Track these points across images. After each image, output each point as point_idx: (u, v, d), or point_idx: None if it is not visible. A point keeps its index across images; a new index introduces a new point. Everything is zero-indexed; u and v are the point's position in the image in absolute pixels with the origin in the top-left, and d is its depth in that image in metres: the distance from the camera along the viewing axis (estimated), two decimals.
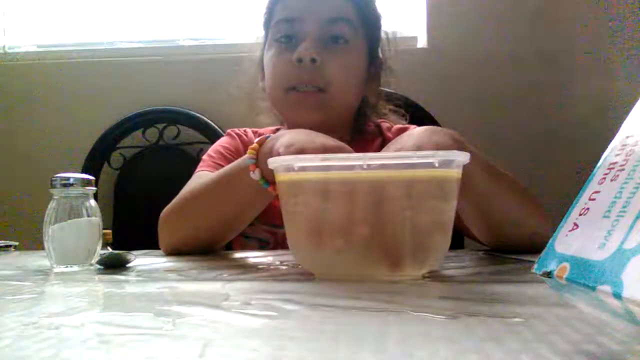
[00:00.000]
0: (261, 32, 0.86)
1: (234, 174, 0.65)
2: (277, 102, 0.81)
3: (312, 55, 0.74)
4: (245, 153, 0.62)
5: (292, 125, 0.78)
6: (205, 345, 0.25)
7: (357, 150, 0.51)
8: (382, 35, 0.87)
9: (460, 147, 0.54)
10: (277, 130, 0.86)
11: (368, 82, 0.84)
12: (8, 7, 1.56)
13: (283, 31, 0.79)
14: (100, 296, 0.41)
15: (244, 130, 0.91)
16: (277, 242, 0.81)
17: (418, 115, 1.07)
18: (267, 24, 0.83)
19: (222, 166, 0.71)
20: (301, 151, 0.53)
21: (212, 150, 0.87)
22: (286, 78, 0.77)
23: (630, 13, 1.33)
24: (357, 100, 0.83)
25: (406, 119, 0.93)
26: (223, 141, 0.89)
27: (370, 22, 0.83)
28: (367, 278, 0.44)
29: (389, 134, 0.87)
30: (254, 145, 0.61)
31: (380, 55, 0.87)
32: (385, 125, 0.90)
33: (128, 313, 0.34)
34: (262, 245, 0.82)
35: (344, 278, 0.45)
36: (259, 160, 0.60)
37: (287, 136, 0.58)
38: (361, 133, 0.87)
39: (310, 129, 0.61)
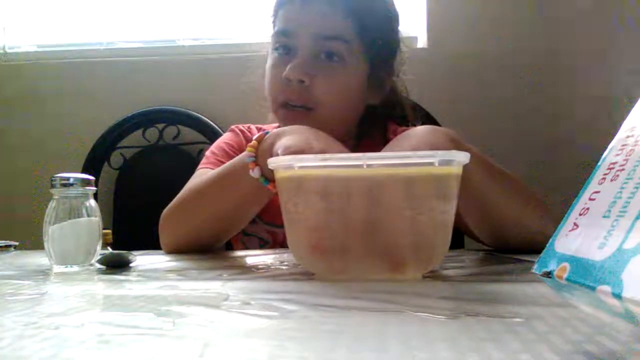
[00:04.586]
0: (269, 29, 0.84)
1: (233, 171, 0.65)
2: (273, 114, 0.80)
3: (299, 77, 0.73)
4: None
5: None
6: (205, 345, 0.25)
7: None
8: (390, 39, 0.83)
9: (457, 147, 0.54)
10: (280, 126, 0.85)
11: (370, 90, 0.80)
12: (8, 7, 1.56)
13: (280, 43, 0.77)
14: (100, 296, 0.41)
15: (248, 127, 0.90)
16: (276, 242, 0.81)
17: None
18: (273, 25, 0.81)
19: (225, 163, 0.71)
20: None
21: (215, 146, 0.86)
22: (277, 94, 0.76)
23: (631, 12, 1.33)
24: (354, 114, 0.81)
25: (418, 118, 0.90)
26: (226, 137, 0.88)
27: (373, 34, 0.78)
28: (368, 278, 0.44)
29: (392, 136, 0.86)
30: (253, 142, 0.61)
31: (389, 59, 0.83)
32: (391, 127, 0.88)
33: (128, 313, 0.34)
34: (261, 245, 0.82)
35: (344, 278, 0.45)
36: (258, 157, 0.60)
37: (286, 137, 0.58)
38: (367, 136, 0.85)
39: None
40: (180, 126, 1.42)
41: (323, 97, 0.74)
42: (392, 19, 0.83)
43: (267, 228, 0.81)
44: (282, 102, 0.75)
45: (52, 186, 0.56)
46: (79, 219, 0.56)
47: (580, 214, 0.24)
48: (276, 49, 0.78)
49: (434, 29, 1.38)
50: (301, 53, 0.74)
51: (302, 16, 0.76)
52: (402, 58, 0.85)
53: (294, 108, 0.75)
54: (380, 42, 0.80)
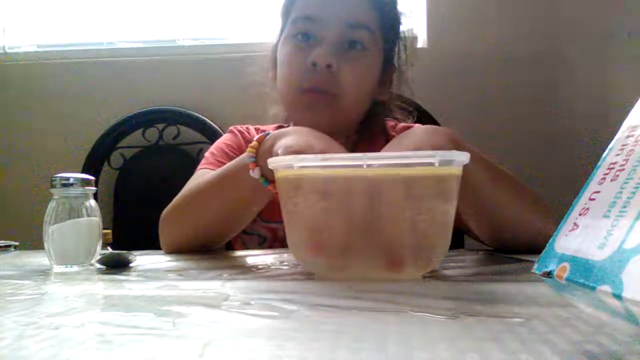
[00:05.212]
0: (277, 21, 0.84)
1: (234, 172, 0.65)
2: (288, 102, 0.79)
3: (327, 61, 0.72)
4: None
5: (298, 125, 0.75)
6: (205, 345, 0.25)
7: (361, 151, 0.51)
8: (401, 37, 0.85)
9: (458, 147, 0.54)
10: (279, 127, 0.85)
11: (380, 85, 0.82)
12: (8, 7, 1.56)
13: (301, 29, 0.76)
14: (100, 296, 0.41)
15: (247, 128, 0.91)
16: (275, 239, 0.81)
17: (417, 115, 1.07)
18: (285, 15, 0.81)
19: (224, 164, 0.72)
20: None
21: (214, 147, 0.86)
22: (300, 80, 0.75)
23: (631, 12, 1.33)
24: (367, 105, 0.82)
25: (413, 117, 0.92)
26: (225, 138, 0.88)
27: (390, 28, 0.81)
28: (368, 278, 0.44)
29: (393, 133, 0.86)
30: (254, 143, 0.61)
31: (397, 56, 0.85)
32: (390, 124, 0.89)
33: (128, 313, 0.34)
34: (260, 242, 0.82)
35: (344, 278, 0.45)
36: (259, 158, 0.60)
37: (286, 137, 0.58)
38: (368, 133, 0.86)
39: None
40: (180, 126, 1.42)
41: (347, 84, 0.74)
42: (400, 15, 0.84)
43: (265, 225, 0.81)
44: (306, 88, 0.75)
45: (52, 186, 0.56)
46: (79, 219, 0.56)
47: (580, 214, 0.24)
48: (294, 35, 0.77)
49: (434, 28, 1.38)
50: (327, 40, 0.74)
51: (328, 3, 0.76)
52: (406, 56, 0.86)
53: (320, 92, 0.74)
54: (394, 37, 0.82)
